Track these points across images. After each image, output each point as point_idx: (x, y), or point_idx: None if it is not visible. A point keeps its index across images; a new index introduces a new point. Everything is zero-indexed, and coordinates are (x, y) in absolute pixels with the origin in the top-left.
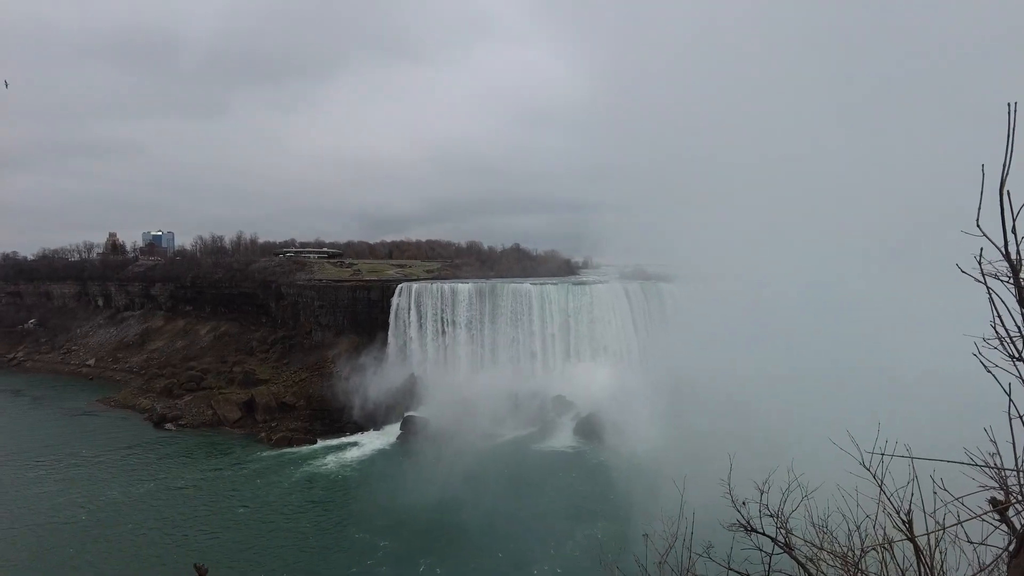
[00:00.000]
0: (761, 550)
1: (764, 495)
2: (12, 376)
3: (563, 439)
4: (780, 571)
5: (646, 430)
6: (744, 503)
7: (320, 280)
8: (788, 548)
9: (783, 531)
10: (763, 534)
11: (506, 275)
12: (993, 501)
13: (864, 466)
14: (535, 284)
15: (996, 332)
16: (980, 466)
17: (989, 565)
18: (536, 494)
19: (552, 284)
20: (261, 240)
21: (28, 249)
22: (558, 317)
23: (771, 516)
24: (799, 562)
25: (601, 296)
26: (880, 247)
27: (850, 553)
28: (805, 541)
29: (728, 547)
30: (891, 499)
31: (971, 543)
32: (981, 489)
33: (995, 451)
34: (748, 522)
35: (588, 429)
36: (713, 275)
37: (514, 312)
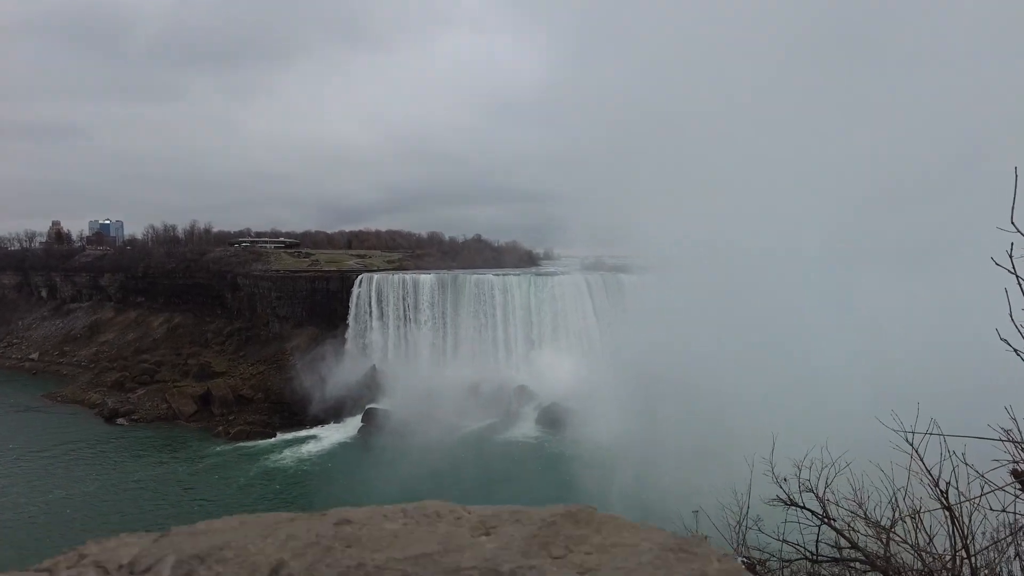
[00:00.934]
0: (800, 522)
1: (801, 471)
2: None
3: (525, 429)
4: (822, 541)
5: (607, 419)
6: (785, 479)
7: (277, 270)
8: (828, 519)
9: (821, 503)
10: (803, 508)
11: (468, 266)
12: (1015, 473)
13: (909, 443)
14: (497, 275)
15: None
16: (1003, 440)
17: (1016, 531)
18: (498, 485)
19: (514, 275)
20: (215, 229)
21: None
22: (520, 308)
23: (810, 491)
24: (837, 530)
25: (563, 287)
26: (864, 242)
27: (884, 521)
28: (841, 508)
29: (764, 522)
30: (929, 472)
31: (994, 511)
32: (999, 464)
33: (1014, 427)
34: (789, 496)
35: (550, 419)
36: (676, 267)
37: (477, 303)
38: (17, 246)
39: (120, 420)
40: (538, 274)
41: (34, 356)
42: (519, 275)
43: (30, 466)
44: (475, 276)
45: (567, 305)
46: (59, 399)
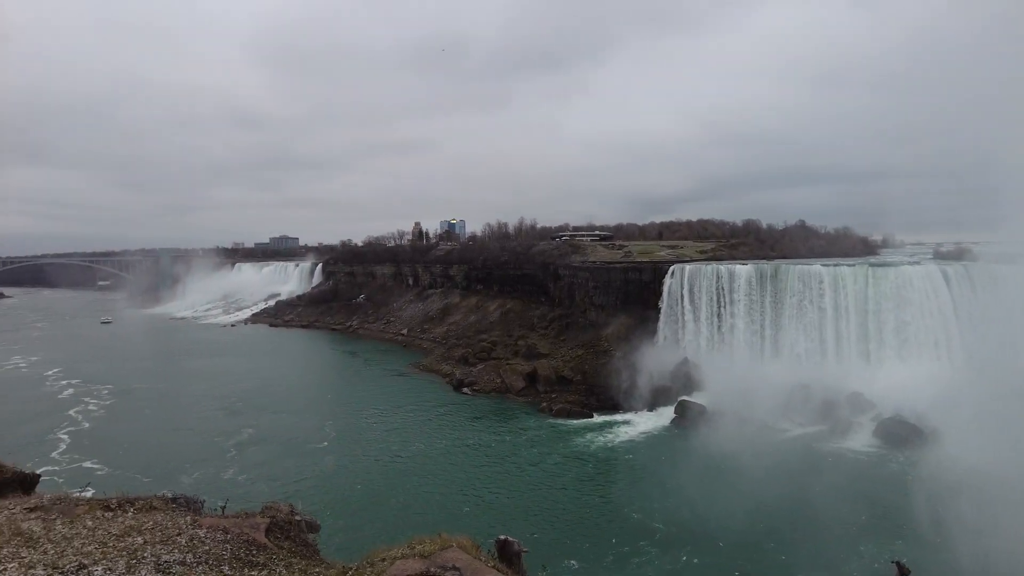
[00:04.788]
0: None
1: None
2: (349, 341)
3: (860, 441)
4: None
5: (973, 440)
6: None
7: (593, 262)
8: None
9: None
10: None
11: (789, 256)
12: None
13: None
14: (827, 266)
15: None
16: None
17: None
18: (820, 498)
19: (847, 266)
20: (539, 225)
21: (356, 237)
22: (854, 303)
23: None
24: None
25: (910, 280)
26: None
27: None
28: None
29: None
30: None
31: None
32: None
33: None
34: None
35: (892, 433)
36: None
37: (801, 297)
38: (392, 243)
39: (465, 389)
40: (877, 264)
41: (404, 332)
42: (853, 266)
43: (402, 421)
44: (799, 267)
45: (916, 301)
46: (421, 368)
